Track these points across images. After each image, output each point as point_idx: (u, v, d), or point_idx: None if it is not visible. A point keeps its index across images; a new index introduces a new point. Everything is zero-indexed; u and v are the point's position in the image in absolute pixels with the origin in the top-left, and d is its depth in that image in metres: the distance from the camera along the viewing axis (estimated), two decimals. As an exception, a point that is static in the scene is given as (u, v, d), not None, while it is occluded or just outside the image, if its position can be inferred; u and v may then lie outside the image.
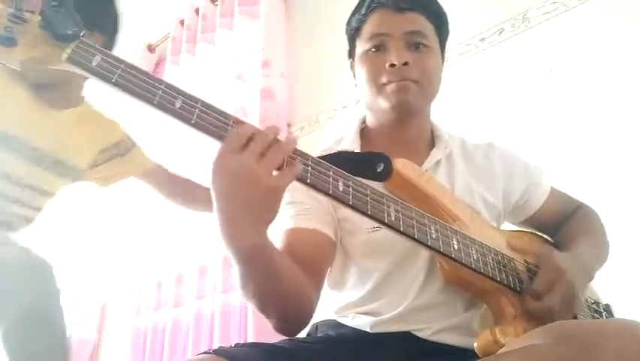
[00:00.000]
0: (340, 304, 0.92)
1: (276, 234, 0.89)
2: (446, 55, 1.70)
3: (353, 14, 1.00)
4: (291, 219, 0.88)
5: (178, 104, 0.62)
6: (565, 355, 0.56)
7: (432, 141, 1.01)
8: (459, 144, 1.02)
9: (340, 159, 0.79)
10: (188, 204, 1.55)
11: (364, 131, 1.02)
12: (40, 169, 1.23)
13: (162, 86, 0.63)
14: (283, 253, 0.79)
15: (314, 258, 0.85)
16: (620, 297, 1.01)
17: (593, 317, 0.90)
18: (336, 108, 1.95)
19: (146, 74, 0.63)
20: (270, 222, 0.65)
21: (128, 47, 3.04)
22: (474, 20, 1.65)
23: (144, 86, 0.62)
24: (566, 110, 1.41)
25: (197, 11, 2.65)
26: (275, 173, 0.64)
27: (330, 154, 0.82)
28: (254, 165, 0.61)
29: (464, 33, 1.66)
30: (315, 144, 1.96)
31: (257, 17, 2.29)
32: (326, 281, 0.92)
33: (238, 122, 0.65)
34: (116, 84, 0.61)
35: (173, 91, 0.63)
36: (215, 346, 1.08)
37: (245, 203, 0.61)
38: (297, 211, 0.88)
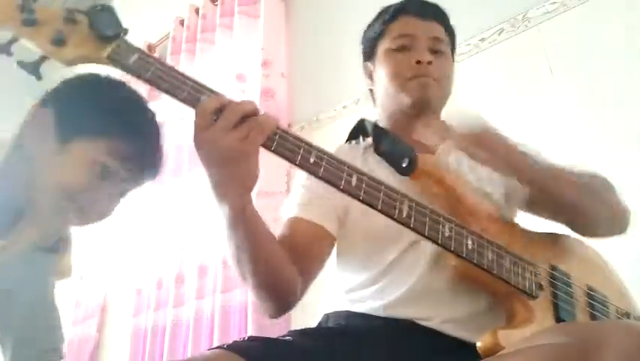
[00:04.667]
0: (351, 284, 0.93)
1: (282, 218, 0.95)
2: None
3: (376, 20, 1.08)
4: (294, 208, 0.93)
5: (203, 99, 0.68)
6: (568, 356, 0.56)
7: None
8: None
9: (383, 136, 0.94)
10: None
11: None
12: None
13: (190, 82, 0.69)
14: (279, 238, 0.86)
15: (307, 249, 0.89)
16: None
17: None
18: (336, 108, 1.95)
19: (176, 71, 0.70)
20: (248, 185, 0.71)
21: (128, 47, 3.04)
22: (474, 20, 1.65)
23: (174, 82, 0.68)
24: (566, 110, 1.41)
25: (197, 11, 2.65)
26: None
27: (379, 126, 0.98)
28: (222, 136, 0.66)
29: (464, 33, 1.65)
30: (315, 143, 1.95)
31: (257, 17, 2.29)
32: (337, 263, 0.97)
33: (212, 92, 0.71)
34: (149, 80, 0.68)
35: (200, 87, 0.70)
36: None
37: (221, 169, 0.68)
38: (303, 200, 0.93)
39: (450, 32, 1.06)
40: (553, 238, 0.94)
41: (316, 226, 0.91)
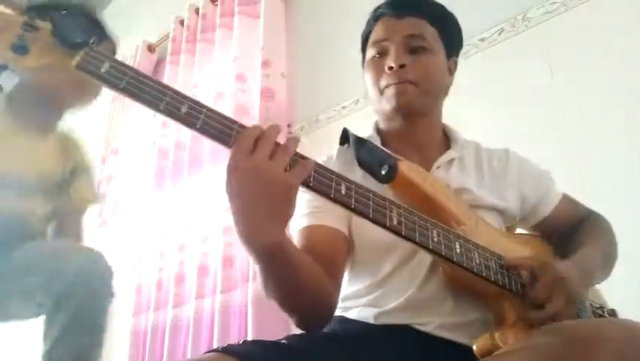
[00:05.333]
0: (344, 293, 0.93)
1: (292, 232, 0.92)
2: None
3: (365, 25, 1.04)
4: (304, 218, 0.90)
5: (184, 110, 0.64)
6: (563, 355, 0.56)
7: (444, 144, 1.02)
8: (473, 149, 1.03)
9: (361, 145, 0.91)
10: None
11: (378, 133, 1.04)
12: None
13: (169, 92, 0.64)
14: (302, 251, 0.82)
15: (331, 255, 0.87)
16: (623, 299, 1.01)
17: None
18: (336, 108, 1.95)
19: (153, 80, 0.65)
20: (288, 220, 0.68)
21: (128, 47, 3.04)
22: (474, 20, 1.64)
23: (151, 92, 0.64)
24: (566, 110, 1.41)
25: (197, 11, 2.65)
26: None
27: (358, 136, 0.94)
28: (266, 165, 0.63)
29: (464, 33, 1.65)
30: (315, 143, 1.96)
31: (257, 17, 2.29)
32: None
33: (242, 126, 0.67)
34: (124, 90, 0.63)
35: (180, 97, 0.65)
36: (215, 346, 1.07)
37: (262, 202, 0.64)
38: (310, 209, 0.90)
39: (438, 23, 0.98)
40: (524, 239, 0.99)
41: (332, 229, 0.89)
